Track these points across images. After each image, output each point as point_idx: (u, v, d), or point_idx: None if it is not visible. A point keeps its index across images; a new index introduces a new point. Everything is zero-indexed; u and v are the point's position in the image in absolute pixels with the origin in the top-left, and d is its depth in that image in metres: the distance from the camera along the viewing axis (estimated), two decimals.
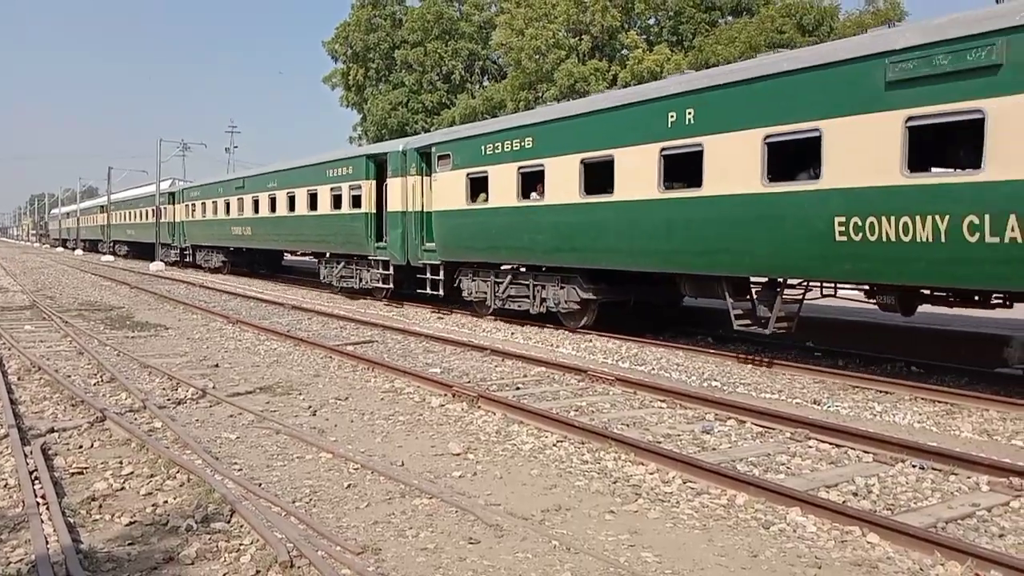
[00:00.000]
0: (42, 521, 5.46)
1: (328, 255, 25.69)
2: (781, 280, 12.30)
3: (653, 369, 12.26)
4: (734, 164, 11.86)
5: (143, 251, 50.38)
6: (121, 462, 7.03)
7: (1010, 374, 11.64)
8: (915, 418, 9.10)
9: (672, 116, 12.84)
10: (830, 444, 7.74)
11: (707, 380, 11.33)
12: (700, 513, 5.90)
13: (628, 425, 8.56)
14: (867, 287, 11.90)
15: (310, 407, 9.37)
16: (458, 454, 7.42)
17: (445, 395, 9.85)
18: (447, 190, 18.92)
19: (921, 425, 8.85)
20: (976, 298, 11.06)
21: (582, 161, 14.80)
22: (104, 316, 18.96)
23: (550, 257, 16.19)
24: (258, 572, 4.81)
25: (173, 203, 42.75)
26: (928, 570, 4.91)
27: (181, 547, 5.16)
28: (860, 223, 10.26)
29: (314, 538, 5.26)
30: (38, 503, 5.78)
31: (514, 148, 16.65)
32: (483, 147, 17.66)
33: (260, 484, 6.42)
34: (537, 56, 40.58)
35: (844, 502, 6.09)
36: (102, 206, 62.42)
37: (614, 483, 6.57)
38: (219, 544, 5.19)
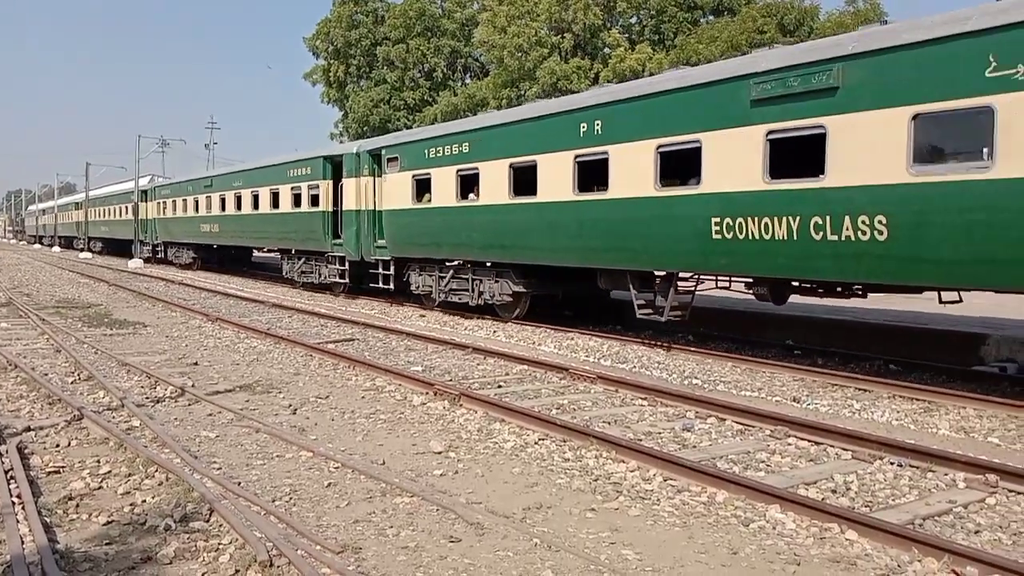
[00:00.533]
0: (17, 521, 5.40)
1: (294, 251, 26.51)
2: (674, 273, 13.52)
3: (634, 367, 12.29)
4: (634, 170, 13.20)
5: (117, 247, 51.40)
6: (99, 461, 6.96)
7: (987, 372, 11.78)
8: (893, 416, 9.18)
9: (584, 127, 14.20)
10: (809, 442, 7.79)
11: (688, 378, 11.37)
12: (680, 510, 5.92)
13: (609, 423, 8.58)
14: (749, 279, 13.18)
15: (290, 405, 9.32)
16: (439, 452, 7.41)
17: (427, 393, 9.83)
18: (396, 190, 20.11)
19: (899, 423, 8.93)
20: (839, 289, 12.26)
21: (511, 165, 16.09)
22: (82, 313, 18.78)
23: (485, 253, 17.36)
24: (237, 572, 4.77)
25: (145, 200, 43.55)
26: (906, 567, 4.95)
27: (159, 547, 5.11)
28: (731, 223, 11.62)
29: (294, 537, 5.23)
30: (13, 502, 5.72)
31: (454, 152, 17.93)
32: (427, 151, 18.90)
33: (239, 483, 6.38)
34: (519, 54, 40.61)
35: (823, 499, 6.13)
36: (77, 203, 62.90)
37: (595, 481, 6.58)
38: (198, 544, 5.15)
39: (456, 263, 18.54)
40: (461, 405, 9.22)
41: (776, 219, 10.98)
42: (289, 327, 16.67)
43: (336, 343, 14.20)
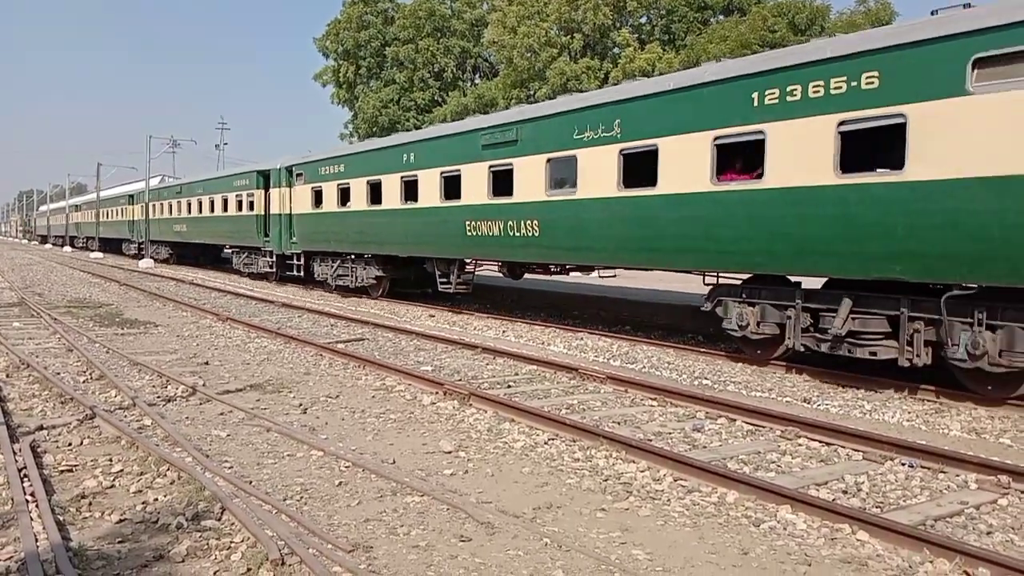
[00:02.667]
0: (31, 519, 5.43)
1: (240, 246, 32.35)
2: (456, 259, 19.45)
3: (644, 367, 12.28)
4: (430, 188, 19.14)
5: (109, 245, 58.61)
6: (111, 460, 7.00)
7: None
8: (904, 416, 9.15)
9: (405, 156, 20.27)
10: (820, 442, 7.77)
11: (698, 378, 11.36)
12: (691, 511, 5.91)
13: (619, 423, 8.57)
14: (492, 262, 19.50)
15: (301, 405, 9.35)
16: (449, 452, 7.42)
17: (436, 393, 9.85)
18: (301, 199, 26.32)
19: (910, 423, 8.90)
20: (554, 269, 18.62)
21: (367, 182, 22.04)
22: (93, 313, 18.88)
23: (356, 247, 23.40)
24: (249, 570, 4.80)
25: (132, 204, 49.66)
26: (917, 567, 4.93)
27: (171, 545, 5.14)
28: (475, 224, 17.45)
29: (305, 536, 5.25)
30: (27, 500, 5.76)
31: (335, 171, 24.20)
32: (320, 169, 25.18)
33: (251, 482, 6.41)
34: (529, 54, 40.58)
35: (834, 500, 6.12)
36: (77, 206, 71.93)
37: (605, 481, 6.59)
38: (210, 542, 5.18)
39: (340, 255, 24.48)
40: (471, 405, 9.24)
41: (494, 222, 16.82)
42: (299, 327, 16.73)
43: (346, 343, 14.24)
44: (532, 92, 40.79)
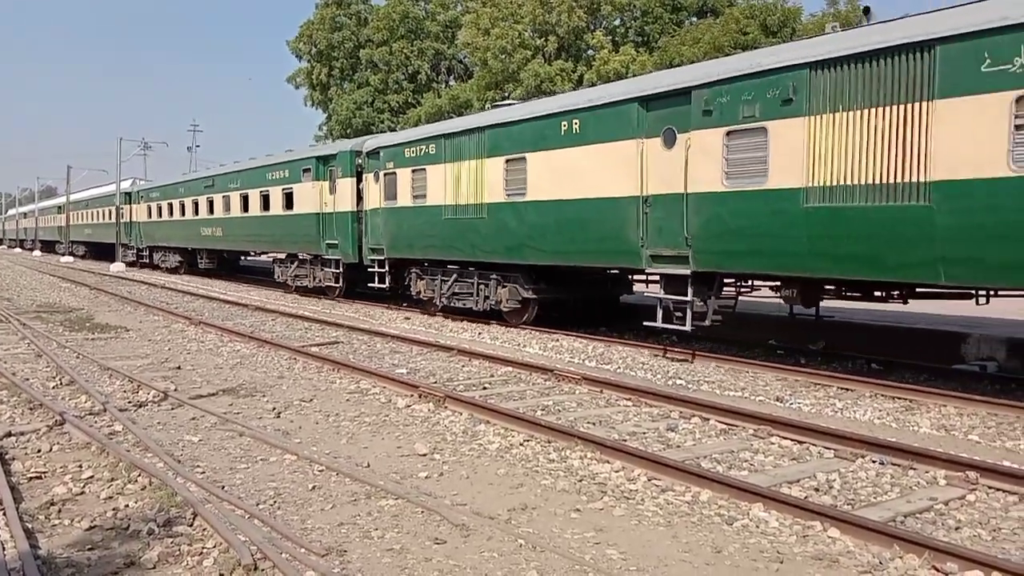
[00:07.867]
0: None
1: (122, 244, 46.64)
2: (204, 249, 34.55)
3: (619, 368, 12.33)
4: (189, 208, 33.78)
5: (49, 246, 71.62)
6: (81, 466, 6.91)
7: (967, 370, 11.90)
8: (875, 414, 9.25)
9: (182, 189, 34.88)
10: (792, 440, 7.84)
11: (672, 378, 11.42)
12: (665, 510, 5.95)
13: (594, 424, 8.60)
14: (220, 251, 34.39)
15: (274, 409, 9.29)
16: (424, 454, 7.41)
17: (411, 395, 9.82)
18: (143, 212, 41.28)
19: (881, 421, 9.01)
20: (255, 253, 37.00)
21: (168, 203, 36.93)
22: (63, 318, 18.64)
23: (168, 243, 38.27)
24: (221, 575, 4.76)
25: (60, 212, 63.74)
26: (887, 563, 4.99)
27: (143, 551, 5.09)
28: (205, 230, 32.28)
29: (278, 540, 5.22)
30: None
31: (156, 195, 39.27)
32: (150, 193, 40.57)
33: (223, 487, 6.35)
34: (503, 56, 40.58)
35: (806, 497, 6.18)
36: (24, 214, 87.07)
37: (580, 481, 6.60)
38: (181, 548, 5.13)
39: (164, 247, 39.08)
40: (446, 407, 9.22)
41: (212, 228, 31.17)
42: (273, 330, 16.62)
43: (320, 346, 14.16)
44: (507, 94, 40.77)
